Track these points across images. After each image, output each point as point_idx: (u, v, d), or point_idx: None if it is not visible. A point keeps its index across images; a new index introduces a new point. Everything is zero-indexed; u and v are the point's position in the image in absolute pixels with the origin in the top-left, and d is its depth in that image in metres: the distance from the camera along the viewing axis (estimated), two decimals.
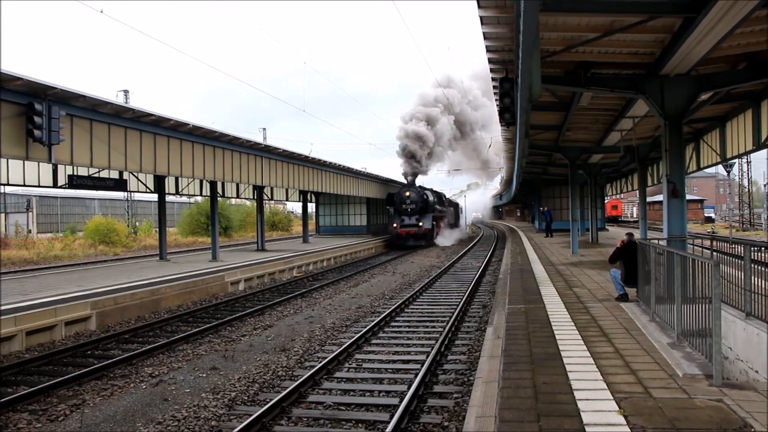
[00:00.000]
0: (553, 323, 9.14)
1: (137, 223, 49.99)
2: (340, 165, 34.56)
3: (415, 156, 41.25)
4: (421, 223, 37.55)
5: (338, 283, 20.42)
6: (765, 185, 52.27)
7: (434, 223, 39.67)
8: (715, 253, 11.93)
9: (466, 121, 50.09)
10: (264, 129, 48.23)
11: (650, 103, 11.32)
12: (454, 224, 52.49)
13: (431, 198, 40.65)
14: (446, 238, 42.93)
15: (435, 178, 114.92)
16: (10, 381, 9.01)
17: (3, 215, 46.47)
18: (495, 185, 79.12)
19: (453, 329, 11.56)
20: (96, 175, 22.34)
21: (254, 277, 20.33)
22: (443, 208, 46.28)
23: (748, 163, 52.84)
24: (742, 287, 7.00)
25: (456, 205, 61.30)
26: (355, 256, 31.98)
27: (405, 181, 42.04)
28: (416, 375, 8.34)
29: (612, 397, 5.51)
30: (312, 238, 39.79)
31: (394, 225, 38.18)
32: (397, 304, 14.43)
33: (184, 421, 7.09)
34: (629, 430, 4.72)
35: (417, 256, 31.58)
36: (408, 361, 9.50)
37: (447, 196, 55.14)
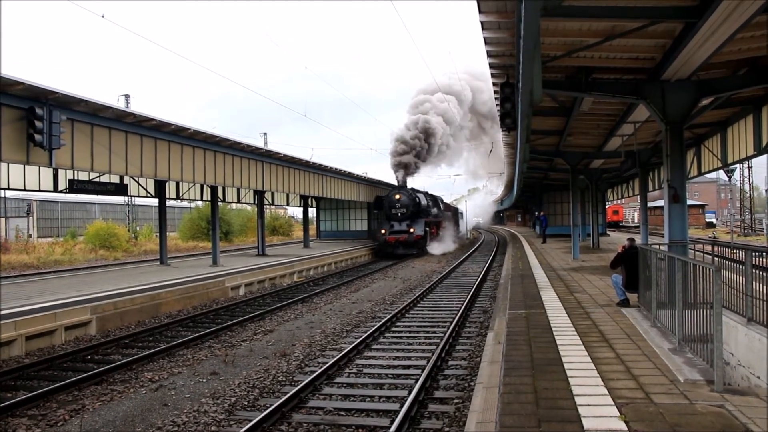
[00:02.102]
0: (554, 328, 9.11)
1: (138, 228, 50.02)
2: (341, 170, 34.57)
3: (410, 153, 37.44)
4: (411, 230, 34.04)
5: (339, 288, 20.39)
6: (766, 190, 52.25)
7: (427, 229, 36.22)
8: (716, 259, 11.92)
9: (484, 121, 48.64)
10: (265, 134, 48.39)
11: (651, 109, 11.32)
12: (453, 230, 49.00)
13: (424, 201, 37.37)
14: (441, 245, 39.09)
15: (437, 183, 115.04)
16: (10, 386, 8.99)
17: (3, 219, 46.51)
18: (498, 191, 78.96)
19: (454, 334, 11.53)
20: (97, 179, 22.35)
21: (255, 282, 20.31)
22: (439, 213, 42.86)
23: (750, 168, 52.85)
24: (743, 293, 6.98)
25: (455, 210, 58.43)
26: (355, 261, 31.95)
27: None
28: (417, 380, 8.32)
29: (613, 403, 5.48)
30: (313, 243, 39.74)
31: (382, 231, 34.73)
32: (398, 309, 14.41)
33: (184, 426, 7.07)
34: None
35: (418, 261, 31.55)
36: (408, 367, 9.48)
37: (445, 201, 51.45)
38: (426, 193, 40.23)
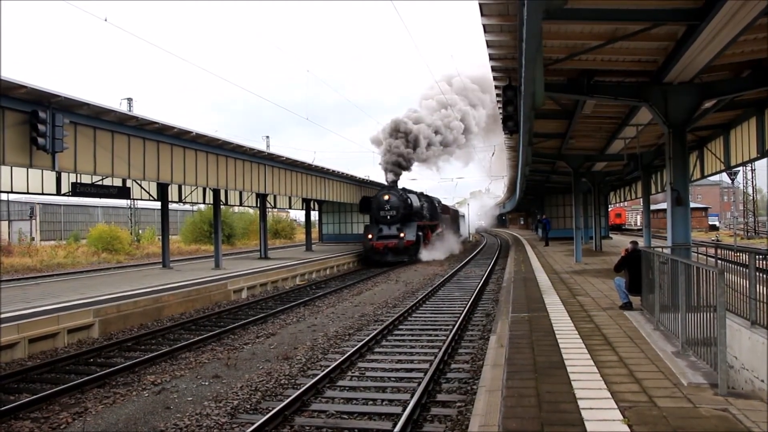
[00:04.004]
0: (556, 332, 9.10)
1: (140, 231, 50.09)
2: (343, 173, 34.52)
3: (405, 147, 33.16)
4: (402, 234, 30.38)
5: (341, 291, 20.38)
6: None
7: (420, 233, 32.44)
8: (719, 261, 11.89)
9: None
10: (267, 137, 48.26)
11: (654, 111, 11.31)
12: (452, 234, 45.33)
13: (417, 203, 33.68)
14: (436, 252, 35.22)
15: (439, 186, 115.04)
16: (13, 389, 8.99)
17: (6, 223, 46.62)
18: (501, 194, 78.95)
19: (456, 338, 11.51)
20: (99, 182, 22.41)
21: (257, 285, 20.31)
22: (435, 216, 39.20)
23: (753, 170, 52.76)
24: (747, 296, 6.95)
25: (455, 213, 55.67)
26: (358, 264, 31.90)
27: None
28: (419, 384, 8.30)
29: (616, 406, 5.47)
30: (315, 246, 39.73)
31: (369, 236, 30.90)
32: (401, 312, 14.39)
33: (187, 429, 7.06)
34: None
35: (420, 264, 31.45)
36: (411, 370, 9.46)
37: (444, 202, 48.01)
38: (420, 194, 37.23)
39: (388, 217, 31.02)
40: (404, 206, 31.37)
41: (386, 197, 31.40)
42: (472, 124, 39.62)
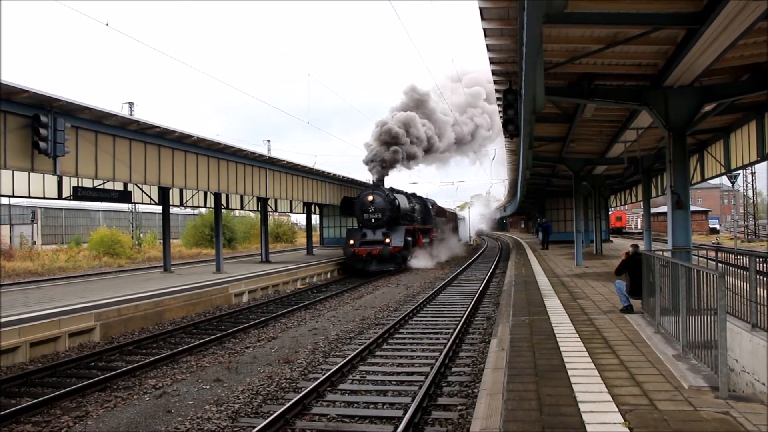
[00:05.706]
0: (557, 335, 9.10)
1: (141, 235, 50.13)
2: (343, 176, 34.53)
3: (396, 142, 29.83)
4: (388, 240, 27.24)
5: (342, 294, 20.38)
6: None
7: (409, 239, 29.23)
8: (720, 265, 11.90)
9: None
10: (268, 141, 48.32)
11: (654, 115, 11.33)
12: (449, 239, 42.51)
13: (406, 204, 30.42)
14: (428, 258, 32.18)
15: (441, 190, 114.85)
16: (14, 392, 9.00)
17: (8, 226, 46.68)
18: (502, 197, 78.90)
19: (457, 341, 11.51)
20: (101, 186, 22.44)
21: (258, 289, 20.32)
22: (428, 219, 35.96)
23: (753, 174, 52.72)
24: (747, 299, 6.96)
25: (453, 215, 52.80)
26: None
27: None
28: (420, 387, 8.31)
29: (617, 410, 5.47)
30: (316, 249, 39.72)
31: (351, 242, 27.78)
32: (401, 315, 14.39)
33: None
34: None
35: (421, 268, 31.41)
36: (412, 373, 9.46)
37: (440, 205, 44.71)
38: (412, 195, 33.86)
39: (373, 220, 27.95)
40: (391, 208, 28.16)
41: (370, 198, 28.15)
42: (493, 126, 39.22)
